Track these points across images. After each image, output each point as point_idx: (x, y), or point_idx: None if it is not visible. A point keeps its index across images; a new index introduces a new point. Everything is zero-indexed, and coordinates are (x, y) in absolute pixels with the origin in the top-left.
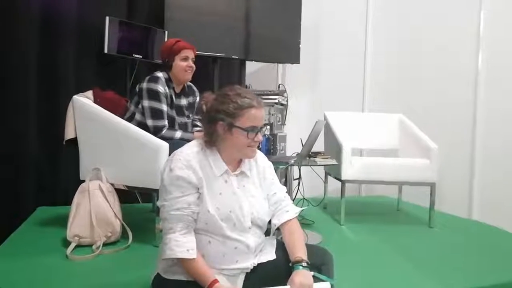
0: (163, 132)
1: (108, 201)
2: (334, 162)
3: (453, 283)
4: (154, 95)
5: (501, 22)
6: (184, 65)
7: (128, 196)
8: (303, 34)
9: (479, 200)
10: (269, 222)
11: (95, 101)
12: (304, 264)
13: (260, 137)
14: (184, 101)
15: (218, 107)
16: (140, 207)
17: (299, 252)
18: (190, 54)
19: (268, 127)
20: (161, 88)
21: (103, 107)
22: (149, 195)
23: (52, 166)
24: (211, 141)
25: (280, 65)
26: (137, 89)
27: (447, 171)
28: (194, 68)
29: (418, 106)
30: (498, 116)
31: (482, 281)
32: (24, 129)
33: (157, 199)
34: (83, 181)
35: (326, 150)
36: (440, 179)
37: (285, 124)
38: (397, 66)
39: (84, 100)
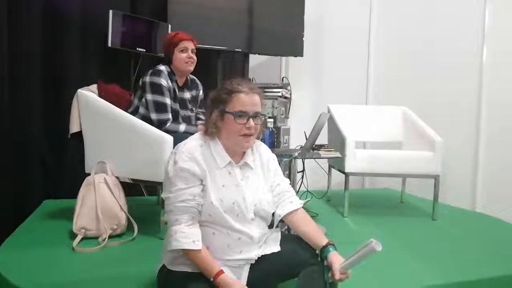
0: (167, 125)
1: (113, 194)
2: (337, 154)
3: (454, 275)
4: (157, 89)
5: (506, 14)
6: (184, 56)
7: (133, 189)
8: (307, 26)
9: (483, 193)
10: (273, 214)
11: (100, 95)
12: (332, 246)
13: (251, 123)
14: (187, 94)
15: (213, 96)
16: (145, 200)
17: (323, 238)
18: (189, 45)
19: (272, 120)
20: (164, 81)
21: (107, 101)
22: (154, 188)
23: (58, 159)
24: (208, 131)
25: (284, 58)
26: (140, 83)
27: (451, 163)
28: (195, 59)
29: (421, 98)
30: (502, 108)
31: (484, 273)
32: (29, 123)
33: (162, 192)
34: (89, 174)
35: (329, 142)
36: (443, 172)
37: (288, 117)
38: (401, 58)
39: (88, 94)
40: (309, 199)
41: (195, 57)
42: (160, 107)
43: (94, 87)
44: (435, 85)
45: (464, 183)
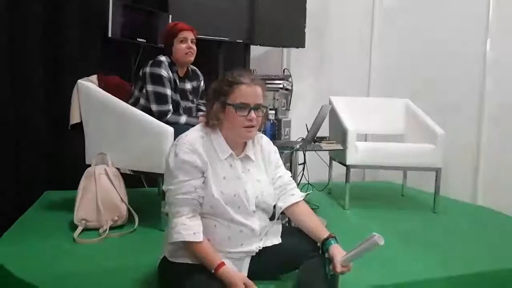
0: (168, 116)
1: (114, 185)
2: (339, 147)
3: (456, 268)
4: (157, 80)
5: (510, 6)
6: (183, 47)
7: (133, 180)
8: (308, 17)
9: (484, 185)
10: (274, 206)
11: (100, 86)
12: (334, 239)
13: (252, 115)
14: (188, 85)
15: (215, 87)
16: (146, 192)
17: (324, 230)
18: (189, 35)
19: (273, 112)
20: (164, 72)
21: (107, 92)
22: (155, 179)
23: (59, 150)
24: (209, 122)
25: (285, 49)
26: (140, 73)
27: (452, 156)
28: (195, 50)
29: (424, 91)
30: (504, 101)
31: (485, 266)
32: (30, 113)
33: (163, 184)
34: (89, 165)
35: (331, 135)
36: (445, 164)
37: (289, 109)
38: (403, 51)
39: (89, 85)
40: (310, 191)
41: (195, 48)
42: (161, 98)
43: (94, 77)
44: (437, 80)
45: (465, 176)
